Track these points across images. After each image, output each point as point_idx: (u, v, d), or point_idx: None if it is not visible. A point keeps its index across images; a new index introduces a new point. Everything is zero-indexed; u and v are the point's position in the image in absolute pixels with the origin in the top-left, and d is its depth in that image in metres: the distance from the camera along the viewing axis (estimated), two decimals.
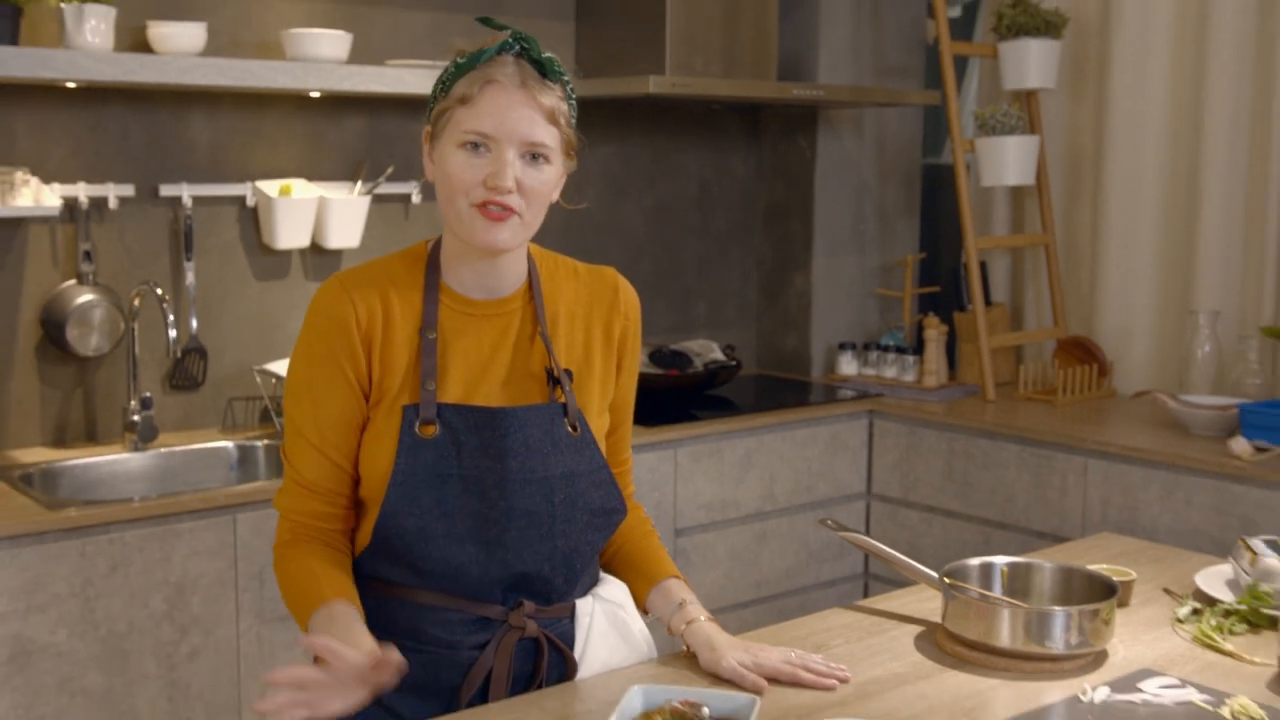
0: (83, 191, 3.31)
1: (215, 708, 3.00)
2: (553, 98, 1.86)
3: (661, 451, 3.70)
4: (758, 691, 1.88)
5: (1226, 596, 2.27)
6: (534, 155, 1.85)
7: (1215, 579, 2.38)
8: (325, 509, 1.92)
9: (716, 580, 3.87)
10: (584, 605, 1.99)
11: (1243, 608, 2.20)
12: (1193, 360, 3.99)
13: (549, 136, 1.85)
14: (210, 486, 3.29)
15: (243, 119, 3.57)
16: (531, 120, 1.83)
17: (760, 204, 4.76)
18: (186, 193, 3.46)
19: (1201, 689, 1.93)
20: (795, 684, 1.93)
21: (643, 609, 2.08)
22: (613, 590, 2.05)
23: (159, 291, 3.32)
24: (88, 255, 3.33)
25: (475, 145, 1.83)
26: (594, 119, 4.01)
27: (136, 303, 3.38)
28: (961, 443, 3.96)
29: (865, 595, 4.20)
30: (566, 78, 1.91)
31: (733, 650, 1.96)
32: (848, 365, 4.53)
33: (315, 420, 1.89)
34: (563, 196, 1.97)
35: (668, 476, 3.72)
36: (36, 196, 3.18)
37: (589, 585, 2.04)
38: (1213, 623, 2.16)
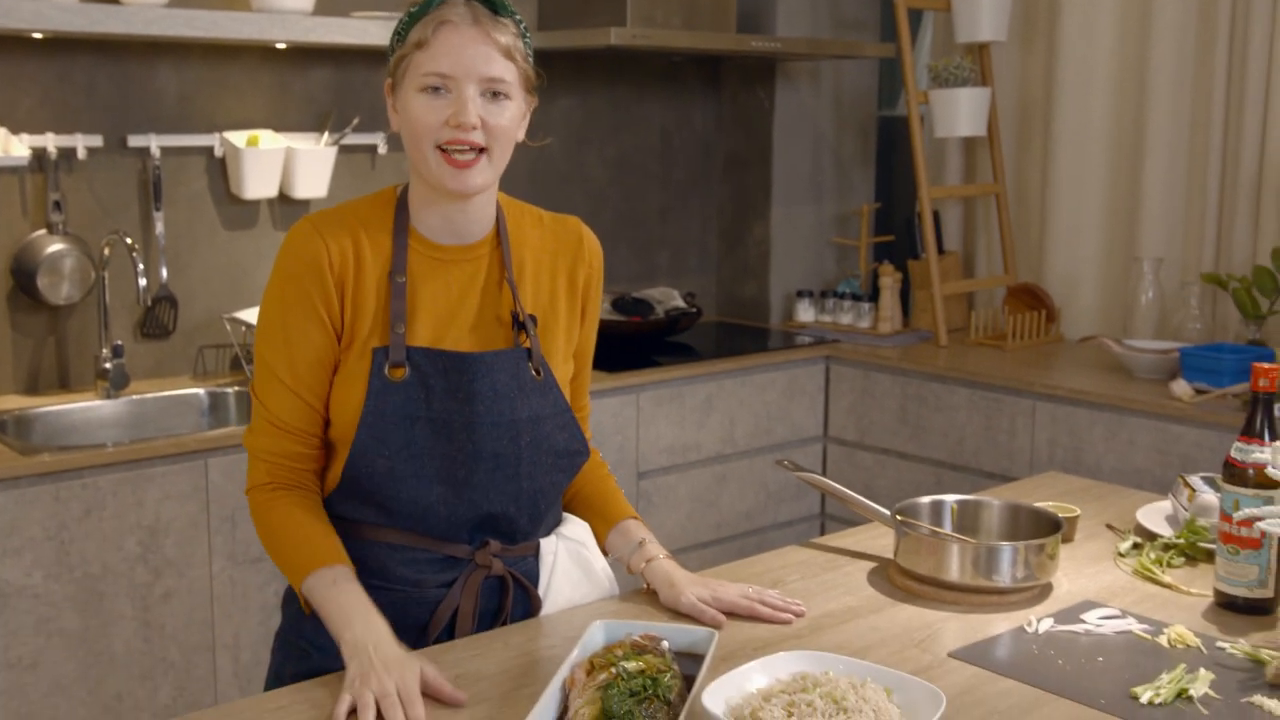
0: (51, 142, 3.31)
1: (189, 647, 3.05)
2: (507, 34, 1.87)
3: (624, 396, 3.74)
4: (716, 625, 1.90)
5: (1166, 531, 2.33)
6: (495, 93, 1.86)
7: (1155, 515, 2.43)
8: (299, 449, 1.92)
9: (678, 521, 3.91)
10: (548, 544, 2.01)
11: (1181, 542, 2.25)
12: (1136, 306, 4.07)
13: (507, 72, 1.86)
14: (182, 432, 3.31)
15: (210, 70, 3.57)
16: (488, 56, 1.84)
17: (720, 154, 4.80)
18: (155, 143, 3.46)
19: (1141, 619, 1.98)
20: (753, 618, 1.96)
21: (603, 549, 2.11)
22: (575, 529, 2.08)
23: (128, 241, 3.33)
24: (57, 205, 3.33)
25: (436, 88, 1.84)
26: (556, 70, 4.02)
27: (106, 252, 3.40)
28: (914, 387, 4.03)
29: (821, 535, 4.26)
30: (519, 16, 1.92)
31: (692, 586, 1.99)
32: (805, 312, 4.59)
33: (289, 361, 1.89)
34: (527, 135, 1.98)
35: (630, 421, 3.76)
36: (5, 146, 3.18)
37: (553, 525, 2.05)
38: (1152, 556, 2.21)
